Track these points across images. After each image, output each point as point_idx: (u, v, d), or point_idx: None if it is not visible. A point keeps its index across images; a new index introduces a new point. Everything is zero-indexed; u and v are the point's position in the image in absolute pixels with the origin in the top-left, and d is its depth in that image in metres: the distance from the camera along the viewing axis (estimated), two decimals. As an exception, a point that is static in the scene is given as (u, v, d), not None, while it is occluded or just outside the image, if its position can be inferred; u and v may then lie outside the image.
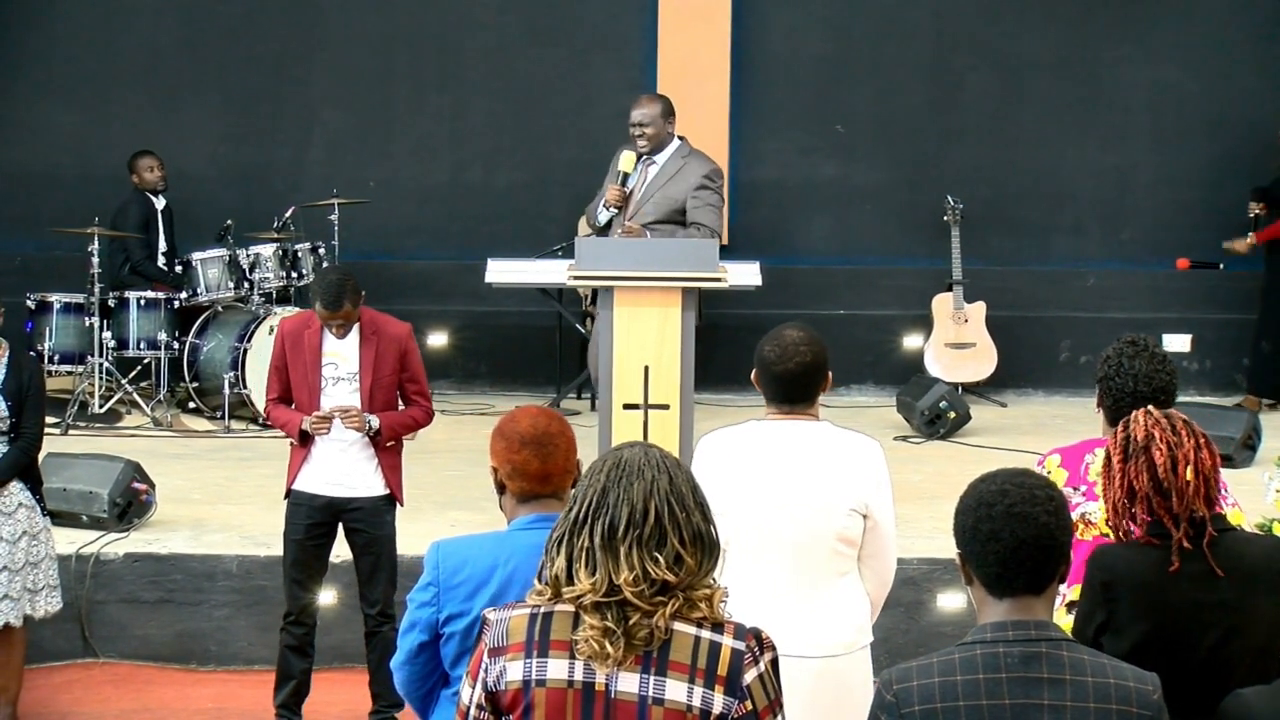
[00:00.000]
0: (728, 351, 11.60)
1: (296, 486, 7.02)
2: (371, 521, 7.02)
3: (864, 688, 4.87)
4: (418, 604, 4.06)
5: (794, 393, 4.90)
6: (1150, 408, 4.22)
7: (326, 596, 7.67)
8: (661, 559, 3.24)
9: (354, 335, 6.97)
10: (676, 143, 9.25)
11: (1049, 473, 4.87)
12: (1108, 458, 4.18)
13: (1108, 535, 4.66)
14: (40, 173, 12.38)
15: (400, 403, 7.12)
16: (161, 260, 11.72)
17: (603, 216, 9.15)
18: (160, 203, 11.77)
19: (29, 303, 11.16)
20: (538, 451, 4.02)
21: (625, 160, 9.12)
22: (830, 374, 4.97)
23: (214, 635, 8.07)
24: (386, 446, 7.02)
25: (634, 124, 9.17)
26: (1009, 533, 3.31)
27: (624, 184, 9.11)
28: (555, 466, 4.03)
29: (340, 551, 7.20)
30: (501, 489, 4.10)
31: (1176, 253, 12.38)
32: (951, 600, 7.92)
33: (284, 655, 7.13)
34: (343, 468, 6.98)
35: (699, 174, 9.09)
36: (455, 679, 4.05)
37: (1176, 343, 12.29)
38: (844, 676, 4.88)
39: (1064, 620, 4.53)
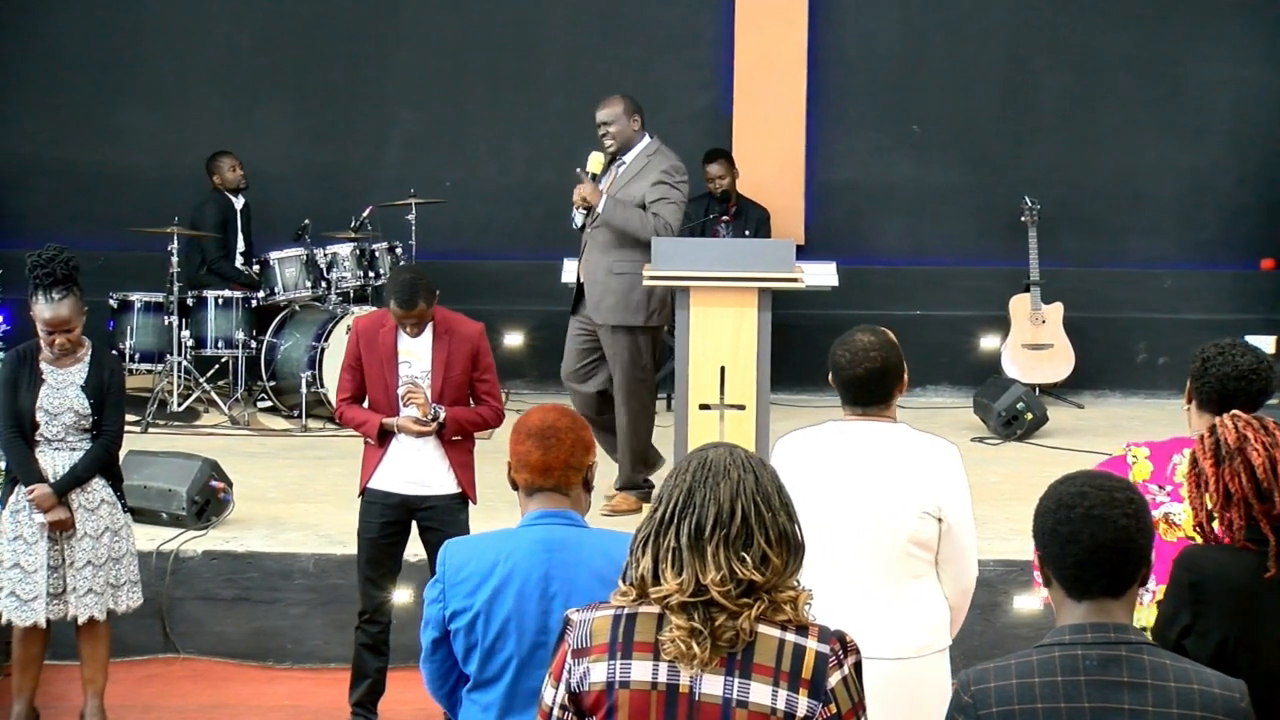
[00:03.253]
0: (803, 352, 11.58)
1: (371, 485, 7.04)
2: (445, 520, 7.03)
3: (939, 691, 4.83)
4: (429, 601, 4.11)
5: (864, 395, 4.90)
6: (1236, 411, 4.18)
7: (402, 595, 7.69)
8: (748, 559, 3.24)
9: (427, 334, 7.00)
10: (646, 140, 9.06)
11: (1134, 460, 4.82)
12: (1194, 464, 4.13)
13: (1193, 538, 4.62)
14: (121, 173, 12.52)
15: (471, 402, 7.14)
16: (240, 260, 11.81)
17: (577, 219, 9.01)
18: (239, 202, 11.87)
19: (111, 302, 11.27)
20: (539, 443, 4.05)
21: (594, 161, 8.95)
22: (906, 376, 4.96)
23: (289, 633, 8.11)
24: (455, 443, 7.03)
25: (599, 124, 9.04)
26: (1087, 535, 3.28)
27: (584, 182, 9.00)
28: (555, 460, 4.04)
29: (416, 550, 7.22)
30: (515, 485, 4.13)
31: (1258, 253, 12.26)
32: (1028, 602, 7.87)
33: (359, 654, 7.16)
34: (417, 466, 7.00)
35: (658, 169, 8.95)
36: (469, 675, 4.08)
37: (1262, 344, 12.13)
38: (918, 680, 4.86)
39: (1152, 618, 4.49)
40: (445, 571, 4.07)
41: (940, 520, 4.84)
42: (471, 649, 4.03)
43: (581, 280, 9.07)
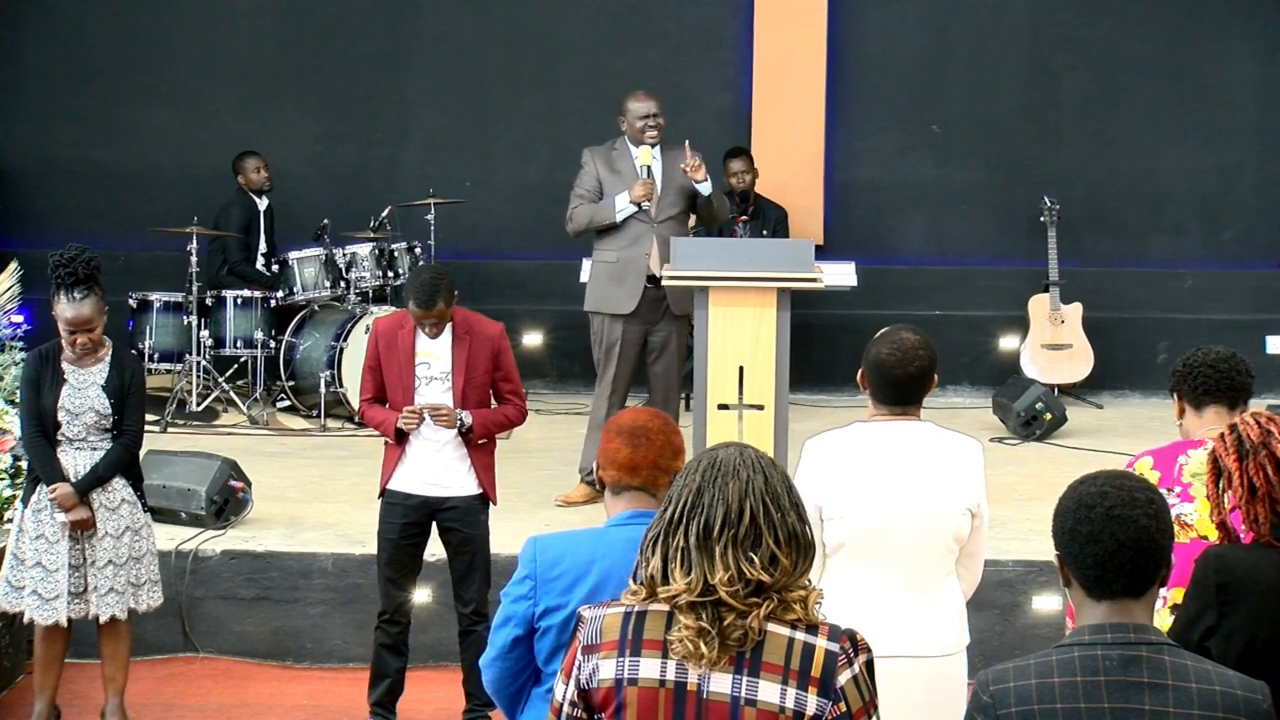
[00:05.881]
0: (822, 352, 11.58)
1: (391, 486, 7.05)
2: (466, 521, 7.04)
3: (963, 688, 4.87)
4: (513, 598, 4.06)
5: (909, 395, 4.92)
6: (1256, 409, 4.19)
7: (421, 595, 7.70)
8: (756, 559, 3.23)
9: (447, 334, 6.99)
10: None
11: (1139, 475, 4.85)
12: (1215, 464, 4.12)
13: (1206, 538, 4.63)
14: (142, 173, 12.55)
15: (494, 401, 7.14)
16: (261, 261, 11.82)
17: (623, 213, 9.09)
18: (263, 203, 11.89)
19: (131, 301, 11.29)
20: (628, 440, 4.04)
21: (644, 154, 9.06)
22: (936, 375, 4.98)
23: (310, 633, 8.12)
24: (479, 445, 7.03)
25: (649, 115, 9.10)
26: (1109, 535, 3.27)
27: (648, 178, 9.07)
28: (643, 458, 4.03)
29: (436, 550, 7.22)
30: (602, 486, 4.12)
31: (1280, 253, 12.25)
32: (1047, 602, 7.86)
33: (378, 654, 7.17)
34: (437, 467, 7.00)
35: (679, 156, 9.15)
36: (548, 675, 4.04)
37: (1280, 345, 12.16)
38: (958, 676, 4.93)
39: (1166, 622, 4.49)
40: (537, 568, 4.03)
41: (975, 516, 4.90)
42: (561, 648, 3.98)
43: (658, 276, 8.97)
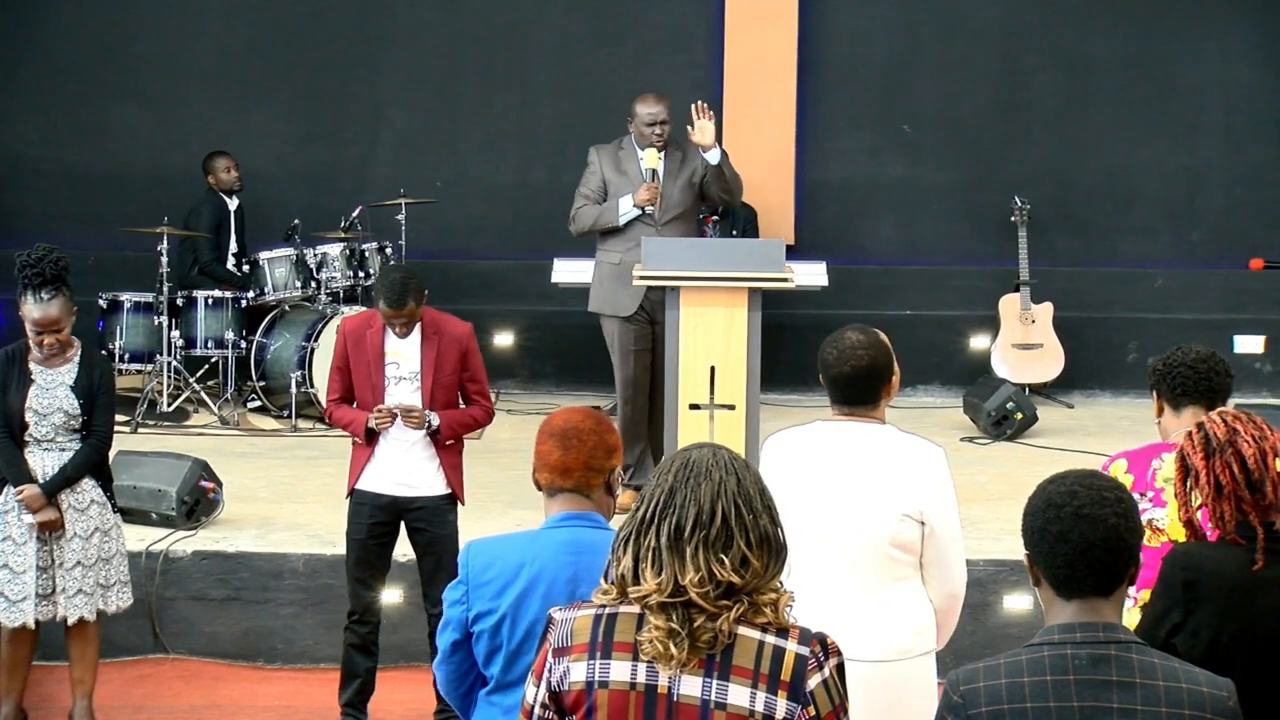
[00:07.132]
0: (794, 352, 11.57)
1: (360, 486, 7.04)
2: (434, 521, 7.04)
3: (924, 695, 4.81)
4: (450, 602, 4.08)
5: (852, 395, 4.86)
6: (1222, 408, 4.21)
7: (392, 595, 7.69)
8: (727, 561, 3.23)
9: (415, 334, 6.98)
10: None
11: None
12: (1182, 462, 4.14)
13: (1176, 542, 4.63)
14: (113, 173, 12.50)
15: (461, 402, 7.13)
16: (231, 261, 11.79)
17: (626, 216, 9.09)
18: (233, 203, 11.86)
19: (101, 302, 11.24)
20: (560, 443, 4.03)
21: (651, 158, 9.05)
22: (897, 377, 4.93)
23: (281, 633, 8.11)
24: (447, 445, 7.03)
25: (658, 120, 9.10)
26: (1078, 534, 3.28)
27: (653, 181, 9.08)
28: (574, 460, 4.02)
29: (407, 550, 7.21)
30: (538, 486, 4.12)
31: (1249, 253, 12.27)
32: (1018, 602, 7.88)
33: (348, 654, 7.16)
34: (406, 467, 6.99)
35: (690, 148, 9.15)
36: (490, 678, 4.06)
37: (1250, 344, 12.19)
38: (898, 683, 4.81)
39: (1135, 622, 4.50)
40: (469, 573, 4.04)
41: (923, 523, 4.78)
42: (495, 651, 4.00)
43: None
